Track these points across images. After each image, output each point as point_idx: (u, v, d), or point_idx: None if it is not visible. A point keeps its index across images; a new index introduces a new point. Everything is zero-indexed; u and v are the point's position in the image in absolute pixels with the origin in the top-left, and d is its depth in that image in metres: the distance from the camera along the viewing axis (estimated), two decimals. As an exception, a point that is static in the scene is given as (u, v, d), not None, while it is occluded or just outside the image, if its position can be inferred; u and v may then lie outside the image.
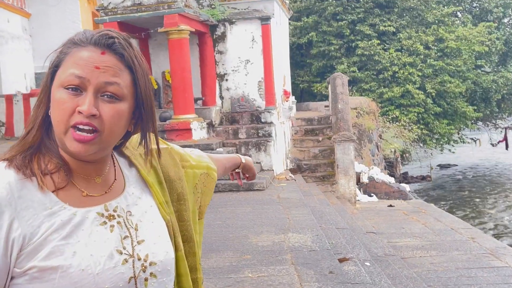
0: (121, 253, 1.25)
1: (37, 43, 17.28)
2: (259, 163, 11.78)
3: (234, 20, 12.47)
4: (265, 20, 12.30)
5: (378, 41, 22.15)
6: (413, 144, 21.20)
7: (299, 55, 24.11)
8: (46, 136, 1.26)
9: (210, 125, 12.26)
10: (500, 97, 24.91)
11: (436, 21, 23.25)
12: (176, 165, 1.53)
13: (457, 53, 22.63)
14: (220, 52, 12.62)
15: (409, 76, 21.44)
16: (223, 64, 12.62)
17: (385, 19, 22.79)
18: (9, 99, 14.10)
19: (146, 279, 1.28)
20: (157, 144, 1.43)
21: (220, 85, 12.69)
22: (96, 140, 1.20)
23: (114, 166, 1.36)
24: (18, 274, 1.18)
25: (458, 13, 27.51)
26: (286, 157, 13.04)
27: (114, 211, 1.29)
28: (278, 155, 12.22)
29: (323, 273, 5.00)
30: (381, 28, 22.46)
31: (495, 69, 26.33)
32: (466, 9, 27.73)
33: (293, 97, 16.43)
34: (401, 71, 21.50)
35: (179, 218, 1.46)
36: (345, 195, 10.98)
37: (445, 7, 25.09)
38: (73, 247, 1.19)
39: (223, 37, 12.57)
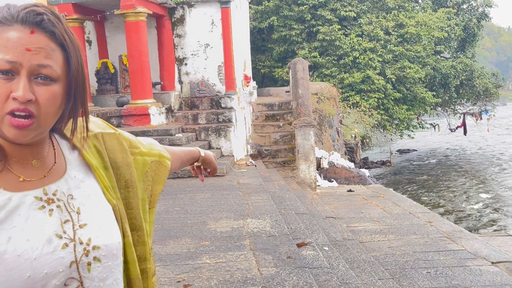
0: (60, 237, 1.20)
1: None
2: (219, 148, 11.66)
3: (193, 3, 12.26)
4: (224, 3, 12.13)
5: (339, 26, 22.19)
6: (373, 129, 21.41)
7: (260, 39, 23.99)
8: None
9: (169, 110, 12.07)
10: (458, 83, 25.33)
11: (397, 7, 23.42)
12: (124, 151, 1.45)
13: (417, 38, 22.86)
14: (179, 36, 12.40)
15: (369, 61, 21.57)
16: (182, 48, 12.41)
17: (346, 4, 22.82)
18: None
19: (89, 263, 1.23)
20: (86, 122, 1.33)
21: (179, 70, 12.49)
22: (34, 126, 1.16)
23: (54, 149, 1.31)
24: None
25: (418, -1, 27.79)
26: (246, 142, 12.95)
27: (54, 194, 1.24)
28: (238, 141, 12.12)
29: (281, 258, 4.96)
30: (342, 13, 22.49)
31: (454, 55, 26.77)
32: (426, -6, 28.03)
33: (254, 82, 16.33)
34: (362, 57, 21.61)
35: (127, 206, 1.40)
36: (305, 181, 10.97)
37: (405, -8, 25.29)
38: (8, 232, 1.15)
39: (182, 20, 12.35)
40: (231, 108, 12.13)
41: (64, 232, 1.22)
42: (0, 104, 1.14)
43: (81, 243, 1.23)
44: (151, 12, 11.30)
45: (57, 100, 1.19)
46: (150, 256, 1.46)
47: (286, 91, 15.92)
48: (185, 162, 1.84)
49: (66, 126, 1.32)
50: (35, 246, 1.16)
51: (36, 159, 1.26)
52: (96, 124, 1.44)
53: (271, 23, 22.81)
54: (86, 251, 1.23)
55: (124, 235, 1.35)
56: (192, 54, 12.40)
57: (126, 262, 1.36)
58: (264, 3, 23.07)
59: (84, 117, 1.32)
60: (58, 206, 1.24)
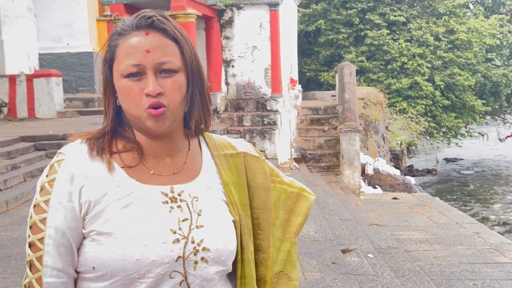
0: (175, 232, 1.31)
1: (42, 23, 17.11)
2: (263, 151, 11.67)
3: (242, 5, 12.30)
4: (273, 6, 12.13)
5: (388, 31, 21.89)
6: (419, 136, 21.02)
7: (307, 43, 23.88)
8: (119, 123, 1.39)
9: (215, 112, 12.14)
10: (509, 92, 24.62)
11: (447, 12, 22.95)
12: (265, 176, 1.52)
13: (468, 45, 22.35)
14: (227, 38, 12.47)
15: (418, 67, 21.21)
16: (229, 50, 12.47)
17: (395, 8, 22.50)
18: (12, 79, 13.97)
19: (196, 262, 1.32)
20: (208, 108, 1.45)
21: (226, 71, 12.55)
22: (167, 114, 1.31)
23: (189, 150, 1.44)
24: (85, 235, 1.32)
25: (470, 4, 27.20)
26: (290, 146, 12.92)
27: (179, 195, 1.36)
28: (282, 144, 12.10)
29: (325, 263, 4.92)
30: (391, 17, 22.18)
31: (506, 63, 26.03)
32: (478, 0, 27.40)
33: (300, 85, 16.27)
34: (410, 62, 21.27)
35: (258, 226, 1.48)
36: (349, 186, 10.87)
37: (457, -2, 24.77)
38: (129, 218, 1.30)
39: (230, 22, 12.41)
40: (277, 111, 12.11)
41: (180, 229, 1.32)
42: (137, 102, 1.31)
43: (192, 242, 1.32)
44: (200, 14, 11.40)
45: (181, 88, 1.34)
46: (272, 284, 1.50)
47: (332, 95, 15.79)
48: None
49: (209, 136, 1.49)
50: (149, 234, 1.29)
51: (169, 156, 1.40)
52: (242, 144, 1.55)
53: (319, 26, 22.68)
54: (195, 250, 1.32)
55: (243, 251, 1.42)
56: (239, 56, 12.44)
57: (243, 276, 1.43)
58: (312, 6, 22.98)
59: (207, 106, 1.44)
60: (179, 206, 1.35)
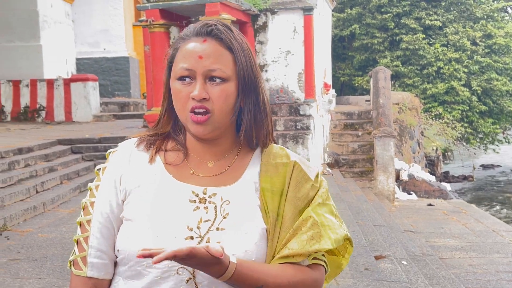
0: (191, 230, 1.34)
1: (79, 28, 17.44)
2: (297, 155, 11.62)
3: (276, 10, 12.31)
4: (307, 10, 12.11)
5: (424, 35, 21.64)
6: (456, 142, 20.68)
7: (341, 47, 23.78)
8: (174, 123, 1.46)
9: (249, 116, 12.15)
10: (549, 97, 24.09)
11: (485, 16, 22.56)
12: (307, 195, 1.44)
13: (506, 50, 21.95)
14: (261, 43, 12.49)
15: (454, 72, 20.92)
16: (263, 55, 12.49)
17: (431, 12, 22.23)
18: (50, 83, 14.28)
19: None
20: (263, 126, 1.45)
21: (259, 76, 12.56)
22: (210, 120, 1.35)
23: (236, 156, 1.45)
24: (122, 220, 1.40)
25: (509, 8, 26.66)
26: (324, 151, 12.86)
27: (210, 197, 1.39)
28: (316, 149, 12.05)
29: (358, 269, 4.88)
30: (427, 22, 21.92)
31: (545, 68, 25.45)
32: (517, 4, 26.86)
33: (333, 90, 16.19)
34: (446, 67, 20.99)
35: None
36: (383, 192, 10.76)
37: (495, 1, 24.29)
38: (152, 208, 1.36)
39: (264, 27, 12.44)
40: (310, 115, 12.07)
41: (198, 228, 1.35)
42: (184, 104, 1.36)
43: (207, 242, 1.32)
44: (235, 19, 11.45)
45: (229, 98, 1.37)
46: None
47: (366, 100, 15.67)
48: None
49: (267, 145, 1.47)
50: (163, 226, 1.34)
51: (212, 160, 1.44)
52: (299, 158, 1.49)
53: (353, 31, 22.56)
54: None
55: (274, 258, 1.37)
56: (273, 61, 12.45)
57: None
58: (346, 10, 22.87)
59: (261, 118, 1.44)
60: (205, 208, 1.38)
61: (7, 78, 14.51)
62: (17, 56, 14.90)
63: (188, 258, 1.20)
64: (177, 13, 12.08)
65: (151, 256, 1.17)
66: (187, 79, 1.36)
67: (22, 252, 5.29)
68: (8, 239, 5.73)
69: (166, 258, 1.17)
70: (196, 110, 1.35)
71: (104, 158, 1.61)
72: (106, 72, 17.81)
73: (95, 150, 10.09)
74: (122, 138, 10.49)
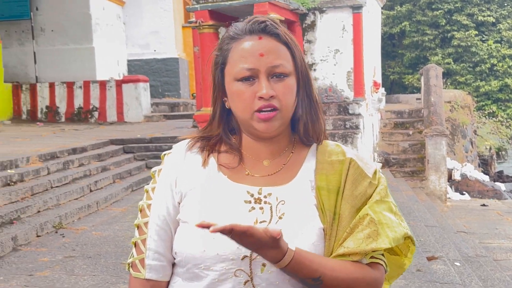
0: None
1: (130, 31, 17.79)
2: (346, 155, 11.52)
3: (324, 9, 12.25)
4: (356, 8, 11.99)
5: (476, 32, 21.16)
6: (510, 141, 20.13)
7: (391, 45, 23.47)
8: (226, 125, 1.45)
9: (297, 115, 12.13)
10: None
11: (541, 11, 21.87)
12: (365, 193, 1.39)
13: None
14: (309, 41, 12.44)
15: (508, 69, 20.39)
16: (311, 54, 12.44)
17: (484, 8, 21.70)
18: (102, 85, 14.62)
19: (263, 265, 1.30)
20: (318, 117, 1.46)
21: (308, 75, 12.52)
22: (278, 116, 1.34)
23: (291, 154, 1.44)
24: (179, 222, 1.40)
25: None
26: (373, 150, 12.71)
27: (265, 197, 1.36)
28: (365, 148, 11.92)
29: (410, 270, 4.80)
30: (480, 18, 21.41)
31: None
32: None
33: (383, 88, 15.98)
34: (500, 64, 20.47)
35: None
36: (435, 192, 10.55)
37: (552, -4, 23.52)
38: (207, 210, 1.34)
39: (312, 26, 12.38)
40: (359, 114, 11.95)
41: None
42: (249, 105, 1.34)
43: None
44: (283, 19, 11.45)
45: (292, 92, 1.37)
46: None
47: (417, 99, 15.41)
48: None
49: (322, 141, 1.45)
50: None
51: (268, 159, 1.42)
52: (355, 155, 1.44)
53: (403, 28, 22.25)
54: None
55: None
56: (321, 60, 12.38)
57: None
58: (396, 8, 22.56)
59: (315, 109, 1.45)
60: (261, 208, 1.36)
61: (61, 80, 14.94)
62: (71, 58, 15.34)
63: (245, 236, 1.18)
64: (225, 14, 12.17)
65: (208, 226, 1.15)
66: (249, 79, 1.34)
67: (77, 250, 5.44)
68: (63, 236, 5.90)
69: (223, 230, 1.15)
70: (263, 109, 1.33)
71: (155, 157, 1.64)
72: (156, 73, 18.10)
73: (146, 150, 10.28)
74: (173, 138, 10.68)
